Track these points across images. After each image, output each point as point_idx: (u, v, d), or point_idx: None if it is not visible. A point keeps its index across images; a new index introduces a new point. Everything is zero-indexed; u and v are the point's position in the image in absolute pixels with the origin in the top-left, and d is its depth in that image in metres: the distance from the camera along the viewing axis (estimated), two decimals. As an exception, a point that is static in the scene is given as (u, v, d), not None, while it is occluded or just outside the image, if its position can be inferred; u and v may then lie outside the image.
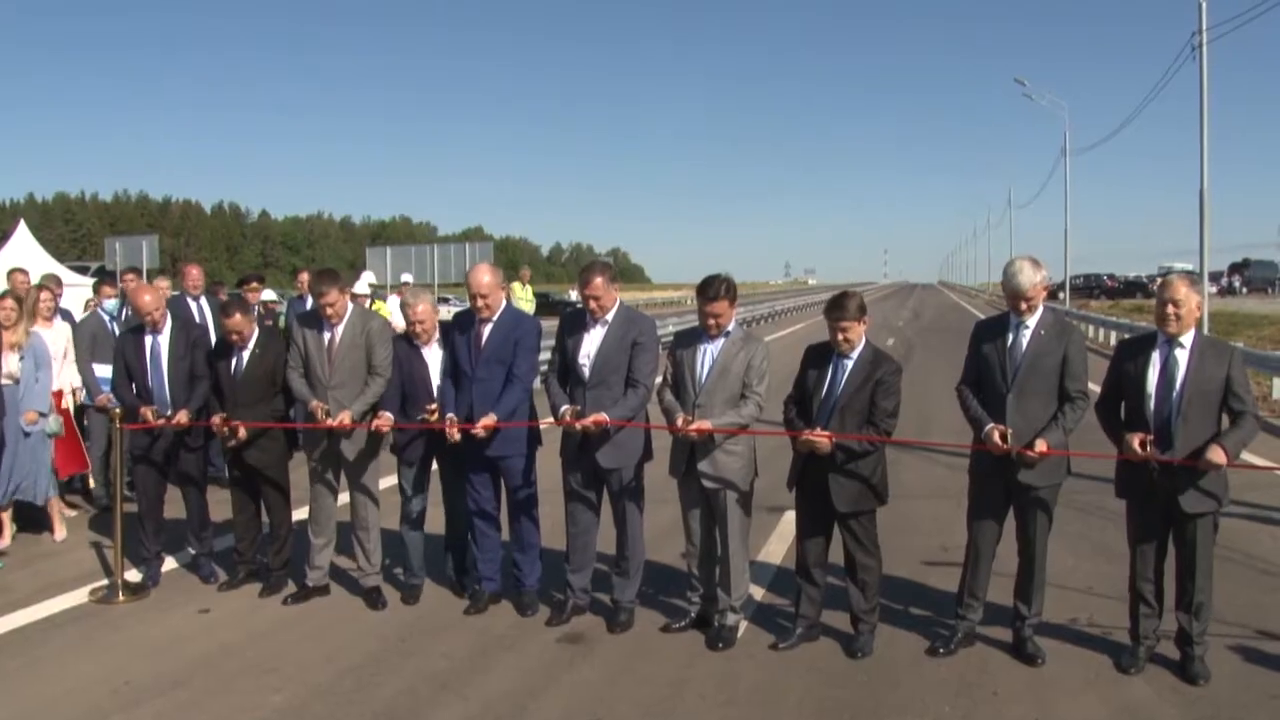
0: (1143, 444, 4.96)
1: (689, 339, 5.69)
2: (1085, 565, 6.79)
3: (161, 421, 6.58)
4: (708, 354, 5.57)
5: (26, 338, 7.60)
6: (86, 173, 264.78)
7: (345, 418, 6.13)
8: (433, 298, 6.52)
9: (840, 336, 5.36)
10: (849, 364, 5.40)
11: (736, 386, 5.52)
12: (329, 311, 6.22)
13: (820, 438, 5.25)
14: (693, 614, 5.84)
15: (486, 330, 6.03)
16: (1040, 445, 5.11)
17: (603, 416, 5.61)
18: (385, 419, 6.15)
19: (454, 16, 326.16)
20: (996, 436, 5.18)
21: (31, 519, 7.90)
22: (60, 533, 7.87)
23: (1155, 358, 5.07)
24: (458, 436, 5.93)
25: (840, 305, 5.38)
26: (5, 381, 7.44)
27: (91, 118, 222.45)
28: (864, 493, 5.41)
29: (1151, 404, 5.03)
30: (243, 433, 6.38)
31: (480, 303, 5.98)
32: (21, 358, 7.51)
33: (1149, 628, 5.21)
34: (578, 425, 5.63)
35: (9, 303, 7.58)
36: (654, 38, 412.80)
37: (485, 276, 6.00)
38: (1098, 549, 7.09)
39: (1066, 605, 5.96)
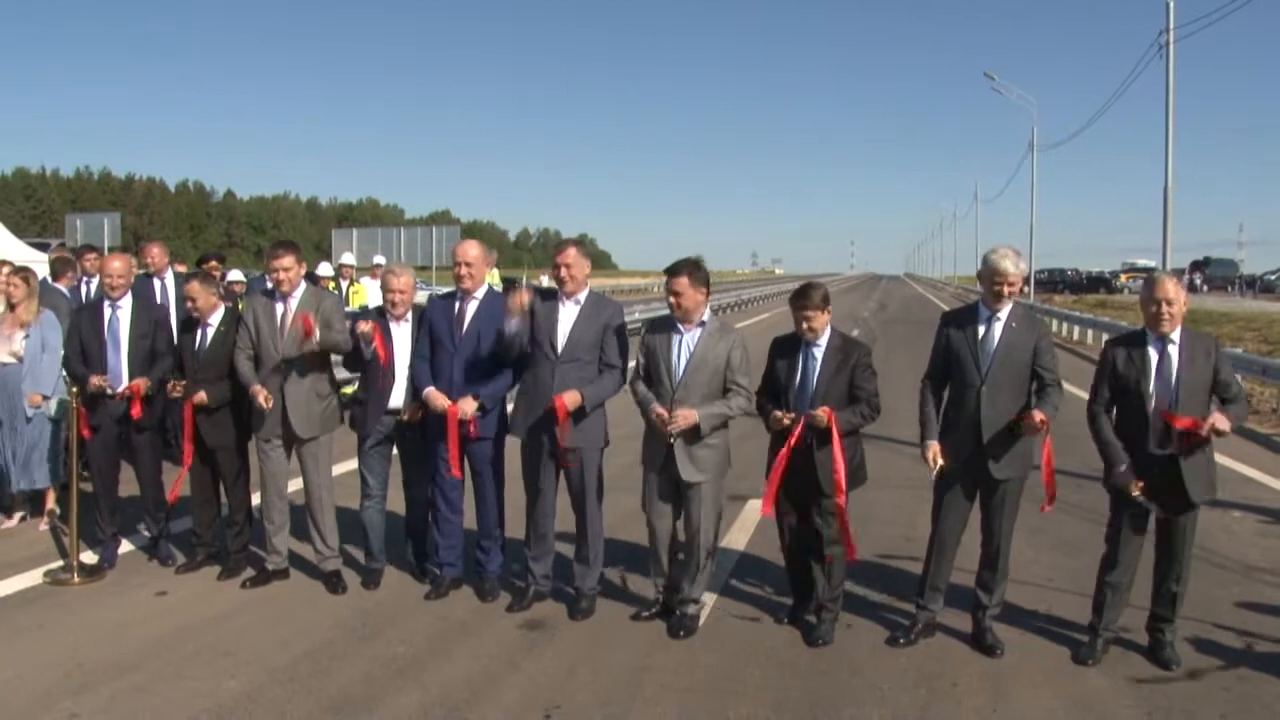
0: (1134, 484, 5.08)
1: (662, 328, 5.65)
2: (1045, 558, 6.84)
3: (121, 390, 6.46)
4: (684, 345, 5.53)
5: (35, 316, 7.46)
6: (48, 148, 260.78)
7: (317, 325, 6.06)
8: (413, 275, 6.50)
9: (805, 325, 5.40)
10: (819, 352, 5.44)
11: (715, 379, 5.51)
12: (281, 277, 6.15)
13: (822, 413, 5.28)
14: (661, 601, 5.83)
15: (471, 308, 6.00)
16: (1038, 414, 5.11)
17: (576, 395, 5.58)
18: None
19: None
20: (930, 455, 5.35)
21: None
22: (42, 524, 7.62)
23: (1151, 355, 5.10)
24: (443, 406, 5.86)
25: (805, 295, 5.44)
26: (8, 360, 7.31)
27: (53, 92, 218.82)
28: (858, 477, 5.52)
29: (1152, 403, 5.06)
30: (202, 395, 6.30)
31: (464, 270, 5.94)
32: (27, 336, 7.37)
33: (1110, 620, 5.26)
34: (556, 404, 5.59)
35: (16, 280, 7.44)
36: (625, 27, 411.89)
37: (473, 250, 6.03)
38: (1057, 543, 7.15)
39: (1026, 598, 6.00)
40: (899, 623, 5.64)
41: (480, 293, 6.03)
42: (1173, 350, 5.07)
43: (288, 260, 6.15)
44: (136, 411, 6.44)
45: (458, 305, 6.02)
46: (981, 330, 5.33)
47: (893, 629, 5.57)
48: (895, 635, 5.48)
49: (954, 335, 5.43)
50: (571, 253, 5.73)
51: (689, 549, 5.66)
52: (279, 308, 6.22)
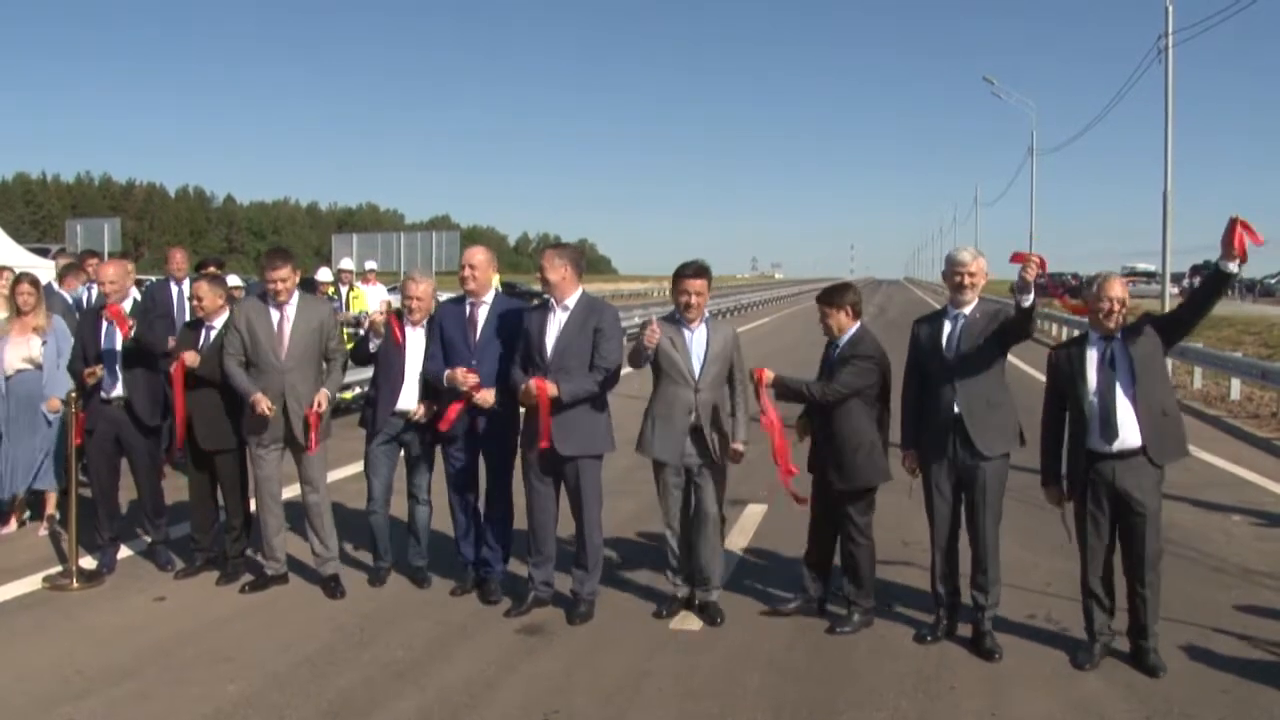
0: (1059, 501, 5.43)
1: (667, 329, 5.76)
2: (1043, 562, 6.83)
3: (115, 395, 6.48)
4: (695, 341, 5.73)
5: (48, 322, 7.47)
6: (48, 153, 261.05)
7: (322, 399, 6.16)
8: (434, 283, 6.56)
9: (821, 321, 5.82)
10: (835, 351, 5.78)
11: (725, 368, 5.79)
12: (279, 287, 6.16)
13: (754, 370, 5.61)
14: (679, 596, 5.92)
15: (482, 312, 6.05)
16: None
17: (553, 385, 5.58)
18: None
19: (421, 3, 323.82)
20: (906, 465, 5.73)
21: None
22: (42, 529, 7.62)
23: (1092, 355, 5.19)
24: (475, 385, 5.87)
25: (827, 293, 5.88)
26: (26, 367, 7.32)
27: (53, 98, 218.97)
28: (866, 470, 5.66)
29: (1095, 400, 5.13)
30: (191, 357, 6.30)
31: (467, 272, 6.01)
32: (44, 342, 7.39)
33: (1102, 623, 5.26)
34: (533, 388, 5.57)
35: (26, 287, 7.45)
36: (623, 31, 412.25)
37: (479, 255, 6.11)
38: (1055, 547, 7.10)
39: (1024, 602, 6.00)
40: (898, 625, 5.67)
41: (488, 296, 6.08)
42: (1116, 346, 5.13)
43: (284, 271, 6.17)
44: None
45: (468, 309, 6.06)
46: (947, 326, 5.48)
47: (919, 628, 5.64)
48: (922, 633, 5.57)
49: (922, 334, 5.63)
50: (548, 253, 5.83)
51: (702, 530, 5.79)
52: (275, 316, 6.22)
